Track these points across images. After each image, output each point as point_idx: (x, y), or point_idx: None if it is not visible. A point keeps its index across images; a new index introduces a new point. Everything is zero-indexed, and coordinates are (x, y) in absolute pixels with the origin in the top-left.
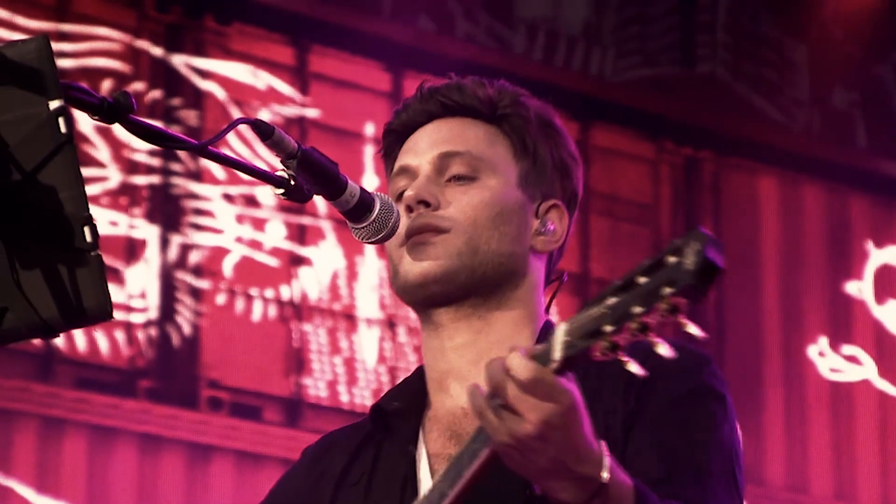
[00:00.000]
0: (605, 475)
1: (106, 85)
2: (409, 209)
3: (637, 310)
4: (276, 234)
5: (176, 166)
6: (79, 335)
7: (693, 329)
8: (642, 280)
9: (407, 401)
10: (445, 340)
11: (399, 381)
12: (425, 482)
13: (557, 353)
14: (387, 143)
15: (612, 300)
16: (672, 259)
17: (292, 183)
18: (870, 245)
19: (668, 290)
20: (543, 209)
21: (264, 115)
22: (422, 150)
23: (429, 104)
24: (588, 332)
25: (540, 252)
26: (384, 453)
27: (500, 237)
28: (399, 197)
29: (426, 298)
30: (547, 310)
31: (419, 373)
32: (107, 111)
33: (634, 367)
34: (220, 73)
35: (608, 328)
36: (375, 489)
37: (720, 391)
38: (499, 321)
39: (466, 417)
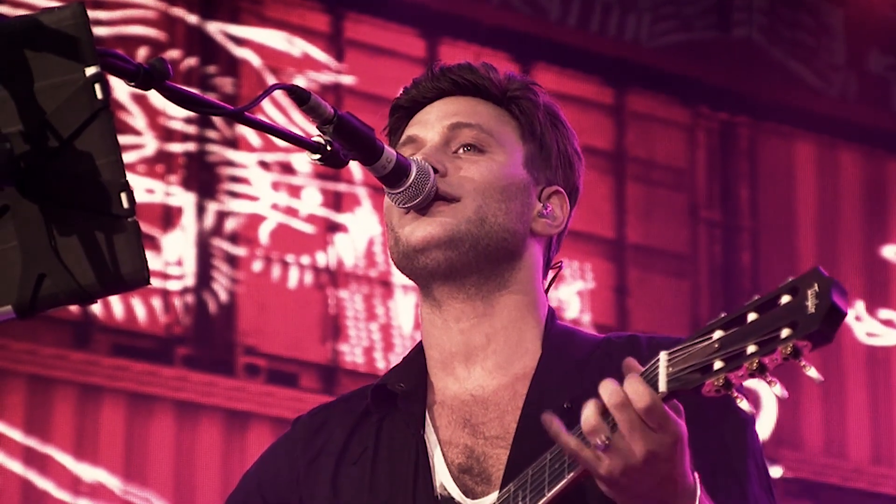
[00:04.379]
0: None
1: (141, 53)
2: None
3: (752, 349)
4: (311, 200)
5: (212, 134)
6: (116, 302)
7: (813, 373)
8: (753, 317)
9: (412, 382)
10: (451, 321)
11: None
12: (440, 469)
13: (663, 386)
14: (393, 120)
15: (719, 334)
16: (787, 298)
17: (328, 148)
18: None
19: (787, 333)
20: (546, 193)
21: (300, 82)
22: (431, 121)
23: (440, 82)
24: (697, 367)
25: (539, 235)
26: (386, 433)
27: (507, 212)
28: None
29: (427, 266)
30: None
31: (419, 351)
32: (143, 78)
33: (746, 405)
34: (255, 40)
35: (720, 365)
36: (381, 469)
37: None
38: (502, 304)
39: (477, 405)
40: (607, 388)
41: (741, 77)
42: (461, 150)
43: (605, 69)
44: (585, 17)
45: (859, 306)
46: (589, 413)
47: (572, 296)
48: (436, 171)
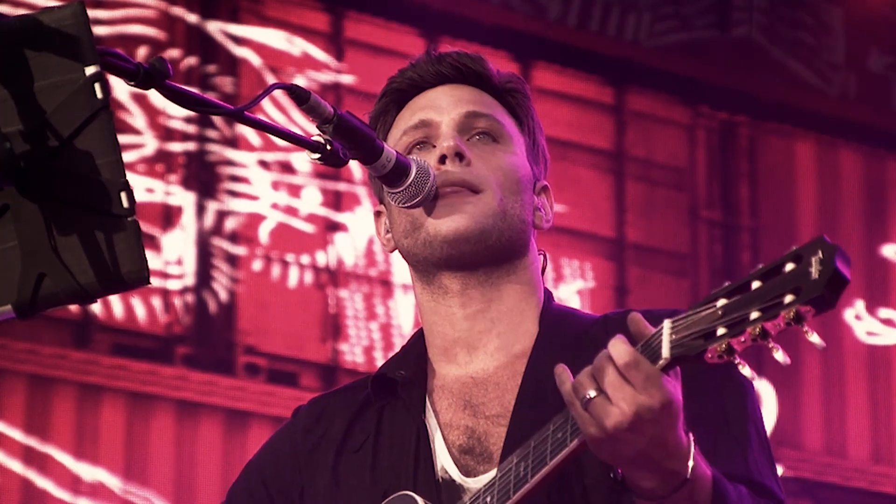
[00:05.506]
0: (690, 471)
1: (141, 52)
2: (442, 160)
3: (755, 315)
4: (311, 200)
5: (212, 133)
6: (116, 302)
7: (815, 338)
8: (757, 285)
9: (412, 369)
10: (456, 308)
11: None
12: (440, 452)
13: (666, 352)
14: (386, 101)
15: (722, 302)
16: (791, 266)
17: (328, 148)
18: None
19: (791, 298)
20: (538, 187)
21: (300, 81)
22: (444, 107)
23: (441, 66)
24: (700, 333)
25: (536, 227)
26: (387, 420)
27: (522, 204)
28: (411, 149)
29: (451, 256)
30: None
31: (418, 338)
32: (143, 77)
33: (748, 371)
34: (255, 39)
35: (723, 331)
36: (383, 456)
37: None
38: (508, 290)
39: (477, 386)
40: (602, 352)
41: (741, 76)
42: (476, 139)
43: (605, 68)
44: (585, 16)
45: (859, 305)
46: (581, 373)
47: (572, 295)
48: (462, 159)
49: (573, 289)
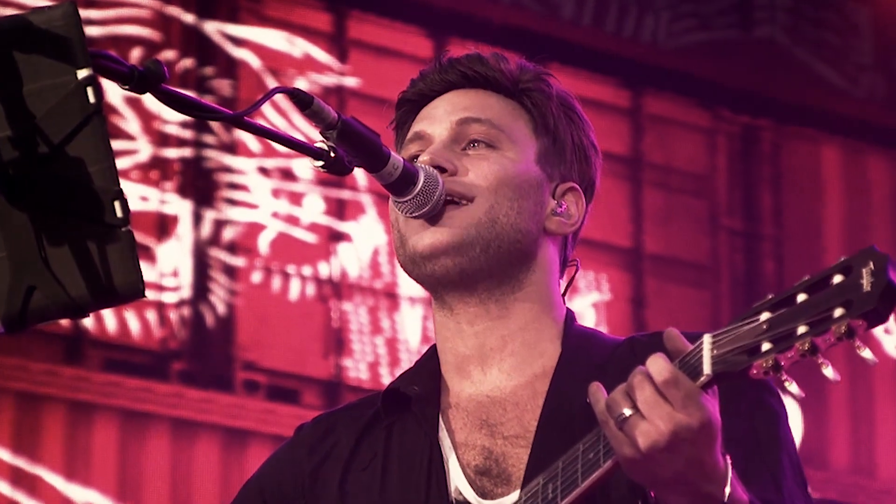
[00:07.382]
0: (727, 497)
1: (135, 54)
2: None
3: (803, 329)
4: (313, 208)
5: (209, 139)
6: (108, 316)
7: (868, 354)
8: (803, 297)
9: (425, 385)
10: (465, 325)
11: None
12: (454, 472)
13: (707, 368)
14: (400, 114)
15: (766, 315)
16: (840, 278)
17: (332, 155)
18: None
19: (841, 312)
20: (561, 190)
21: (301, 84)
22: (439, 116)
23: (448, 74)
24: (744, 348)
25: (554, 233)
26: (397, 438)
27: (519, 211)
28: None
29: (435, 273)
30: (563, 297)
31: (432, 354)
32: (137, 80)
33: (795, 388)
34: (254, 40)
35: (768, 346)
36: (393, 474)
37: (773, 387)
38: (517, 307)
39: (494, 405)
40: (637, 368)
41: (763, 78)
42: (471, 147)
43: (622, 70)
44: (601, 15)
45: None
46: (615, 390)
47: (587, 308)
48: (444, 170)
49: (588, 301)
